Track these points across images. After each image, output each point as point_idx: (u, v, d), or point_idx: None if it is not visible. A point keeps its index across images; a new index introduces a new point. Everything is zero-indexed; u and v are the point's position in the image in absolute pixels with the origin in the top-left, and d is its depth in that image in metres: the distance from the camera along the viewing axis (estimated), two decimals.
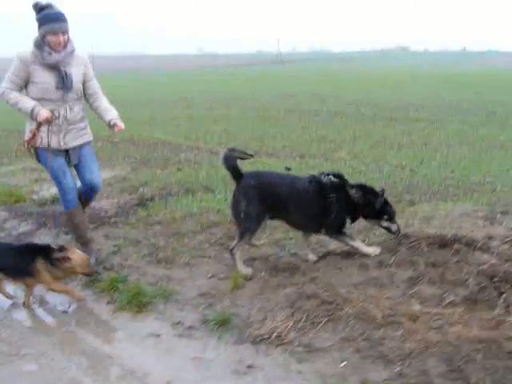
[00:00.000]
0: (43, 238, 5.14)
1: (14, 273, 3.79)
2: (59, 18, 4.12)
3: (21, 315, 3.75)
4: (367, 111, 15.13)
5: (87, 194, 4.58)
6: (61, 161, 4.35)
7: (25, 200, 6.39)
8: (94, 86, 4.51)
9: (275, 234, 4.77)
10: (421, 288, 3.54)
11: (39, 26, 4.11)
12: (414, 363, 2.81)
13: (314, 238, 4.44)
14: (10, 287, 4.04)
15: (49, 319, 3.69)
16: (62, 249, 3.74)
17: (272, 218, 4.19)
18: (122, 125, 4.44)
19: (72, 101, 4.31)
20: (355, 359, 2.93)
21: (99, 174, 4.60)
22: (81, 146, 4.44)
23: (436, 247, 3.95)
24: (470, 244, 3.96)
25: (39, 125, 4.15)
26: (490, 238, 4.07)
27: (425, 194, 5.93)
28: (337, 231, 4.09)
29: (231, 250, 4.04)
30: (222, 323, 3.37)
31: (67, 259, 3.66)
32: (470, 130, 11.06)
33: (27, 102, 4.13)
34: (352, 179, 4.42)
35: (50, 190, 6.72)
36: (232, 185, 6.00)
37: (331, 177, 4.09)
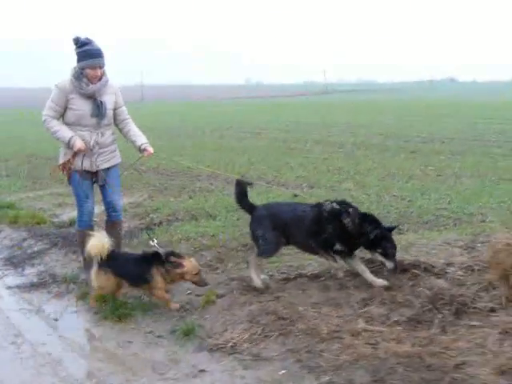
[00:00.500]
0: (54, 256, 5.66)
1: (133, 279, 4.31)
2: (98, 54, 4.67)
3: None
4: (393, 143, 15.34)
5: (110, 215, 5.11)
6: (87, 184, 4.88)
7: (45, 222, 7.00)
8: (124, 112, 5.04)
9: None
10: (371, 308, 3.83)
11: (79, 60, 4.65)
12: (344, 373, 3.09)
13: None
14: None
15: (41, 324, 4.13)
16: (177, 255, 4.25)
17: (287, 243, 4.55)
18: (151, 149, 4.96)
19: (104, 126, 4.83)
20: (294, 368, 3.24)
21: (120, 196, 5.15)
22: (109, 168, 4.95)
23: (396, 272, 4.22)
24: (429, 270, 4.22)
25: (75, 154, 4.69)
26: (449, 264, 4.31)
27: (415, 223, 6.18)
28: (325, 253, 4.33)
29: (248, 261, 4.51)
30: (187, 333, 3.75)
31: (180, 265, 4.13)
32: (488, 162, 11.13)
33: (65, 132, 4.65)
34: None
35: (69, 214, 7.32)
36: (233, 213, 6.53)
37: (333, 204, 4.31)
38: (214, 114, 37.79)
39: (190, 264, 4.19)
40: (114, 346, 3.72)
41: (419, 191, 8.00)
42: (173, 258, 4.17)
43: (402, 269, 4.27)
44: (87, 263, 4.91)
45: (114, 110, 4.93)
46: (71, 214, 7.32)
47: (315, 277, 4.49)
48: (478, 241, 5.16)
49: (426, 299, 3.79)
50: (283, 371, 3.23)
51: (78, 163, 4.75)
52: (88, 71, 4.62)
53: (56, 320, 4.17)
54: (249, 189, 4.67)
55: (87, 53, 4.62)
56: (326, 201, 4.46)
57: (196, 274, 4.21)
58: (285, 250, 5.09)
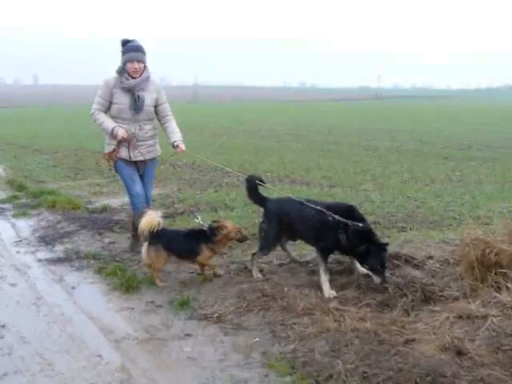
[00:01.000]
0: (81, 236, 6.28)
1: (183, 253, 4.79)
2: (137, 48, 5.06)
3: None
4: (429, 149, 15.42)
5: None
6: (131, 170, 5.27)
7: (80, 207, 7.67)
8: (166, 109, 5.37)
9: None
10: (347, 291, 4.22)
11: (122, 56, 5.09)
12: (308, 343, 3.49)
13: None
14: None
15: (60, 291, 4.71)
16: (216, 221, 4.83)
17: (290, 238, 4.94)
18: (183, 147, 5.24)
19: (143, 121, 5.19)
20: (267, 337, 3.66)
21: (151, 189, 5.57)
22: (147, 161, 5.30)
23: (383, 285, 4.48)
24: (409, 261, 4.55)
25: (119, 142, 5.11)
26: (430, 257, 4.63)
27: (419, 223, 6.46)
28: (319, 255, 4.45)
29: (252, 256, 4.81)
30: (182, 304, 4.23)
31: (224, 227, 4.67)
32: None
33: (109, 123, 5.08)
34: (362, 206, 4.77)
35: (102, 202, 8.00)
36: (249, 206, 6.99)
37: (335, 216, 4.33)
38: (262, 115, 38.37)
39: (230, 224, 4.74)
40: (117, 310, 4.24)
41: (435, 194, 8.23)
42: (215, 224, 4.70)
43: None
44: (134, 242, 5.49)
45: (156, 106, 5.26)
46: (104, 201, 8.04)
47: (307, 263, 4.90)
48: None
49: (398, 286, 4.12)
50: (257, 339, 3.66)
51: (121, 152, 5.16)
52: (128, 65, 4.99)
53: (73, 288, 4.73)
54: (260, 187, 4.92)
55: (128, 48, 5.03)
56: (335, 205, 4.64)
57: (238, 232, 4.75)
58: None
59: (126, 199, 6.40)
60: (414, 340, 3.37)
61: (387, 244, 4.34)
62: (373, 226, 4.79)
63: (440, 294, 4.03)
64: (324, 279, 4.31)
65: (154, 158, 5.42)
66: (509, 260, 3.89)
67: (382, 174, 10.62)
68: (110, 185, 9.49)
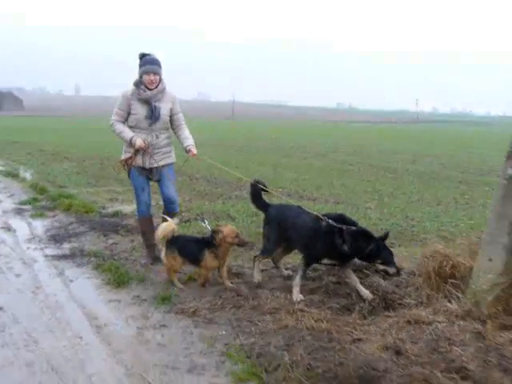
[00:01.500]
0: (88, 237, 6.76)
1: (191, 258, 5.00)
2: (153, 61, 5.37)
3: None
4: (447, 173, 15.49)
5: (167, 206, 5.71)
6: (143, 179, 5.59)
7: (93, 211, 8.17)
8: (180, 118, 5.67)
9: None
10: (315, 296, 4.53)
11: (139, 68, 5.42)
12: (266, 338, 3.82)
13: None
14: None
15: (59, 283, 5.16)
16: (217, 226, 5.07)
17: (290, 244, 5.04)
18: (194, 151, 5.51)
19: (159, 130, 5.50)
20: (232, 332, 4.01)
21: (174, 190, 5.75)
22: (163, 166, 5.59)
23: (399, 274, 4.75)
24: (379, 272, 4.83)
25: (136, 151, 5.45)
26: (400, 269, 4.89)
27: (409, 240, 6.72)
28: (304, 262, 4.67)
29: (254, 258, 5.08)
30: (164, 299, 4.62)
31: (219, 231, 4.82)
32: None
33: (128, 133, 5.41)
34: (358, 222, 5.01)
35: (115, 207, 8.50)
36: (250, 217, 7.36)
37: (329, 221, 4.50)
38: (292, 134, 38.82)
39: (226, 228, 4.94)
40: (105, 302, 4.66)
41: (434, 215, 8.43)
42: (213, 228, 4.96)
43: (355, 269, 4.91)
44: (148, 246, 5.79)
45: (171, 116, 5.59)
46: (117, 207, 8.53)
47: (285, 269, 5.24)
48: None
49: (359, 293, 4.42)
50: (223, 332, 4.01)
51: (136, 160, 5.49)
52: (145, 77, 5.32)
53: (71, 281, 5.18)
54: (264, 194, 5.23)
55: (144, 61, 5.35)
56: (325, 215, 4.67)
57: (236, 237, 4.87)
58: None
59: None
60: (360, 340, 3.67)
61: (387, 233, 4.55)
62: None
63: (399, 301, 4.31)
64: (296, 283, 4.59)
65: (169, 164, 5.69)
66: (462, 272, 4.15)
67: (390, 195, 10.84)
68: (126, 193, 9.99)
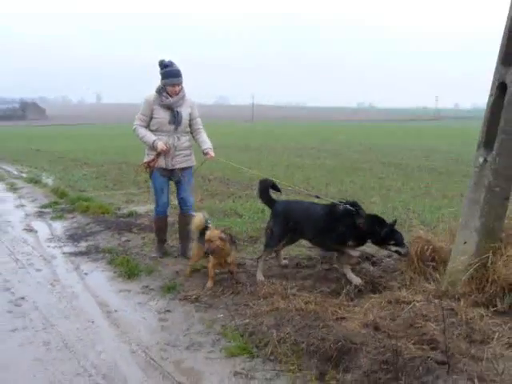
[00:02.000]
0: (103, 235, 7.22)
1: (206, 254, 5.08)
2: (177, 74, 5.73)
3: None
4: (456, 168, 15.62)
5: (182, 207, 6.08)
6: (163, 180, 5.92)
7: (109, 212, 8.65)
8: (198, 123, 5.94)
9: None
10: (307, 281, 4.89)
11: (162, 78, 5.64)
12: (259, 319, 4.18)
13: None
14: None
15: (75, 276, 5.61)
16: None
17: (295, 237, 5.35)
18: (212, 154, 5.79)
19: (180, 133, 5.86)
20: (229, 314, 4.39)
21: (190, 193, 6.10)
22: (183, 168, 5.95)
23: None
24: (369, 258, 5.18)
25: (158, 154, 5.81)
26: (389, 256, 5.23)
27: (407, 231, 6.93)
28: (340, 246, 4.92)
29: (257, 259, 5.30)
30: (170, 288, 5.03)
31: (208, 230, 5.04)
32: None
33: (150, 137, 5.75)
34: None
35: (131, 209, 8.96)
36: (257, 214, 7.74)
37: (347, 205, 4.85)
38: (309, 134, 39.09)
39: (196, 217, 5.31)
40: (116, 291, 5.09)
41: (436, 207, 8.68)
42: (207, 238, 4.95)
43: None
44: (160, 241, 6.21)
45: (190, 120, 5.93)
46: (132, 208, 9.00)
47: (284, 259, 5.61)
48: None
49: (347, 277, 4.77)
50: (221, 315, 4.40)
51: (159, 162, 5.81)
52: (169, 88, 5.70)
53: (86, 274, 5.63)
54: (273, 191, 5.45)
55: (169, 73, 5.69)
56: (341, 201, 5.03)
57: (201, 224, 5.17)
58: None
59: (152, 207, 7.25)
60: (344, 318, 4.01)
61: (395, 221, 4.89)
62: None
63: (385, 285, 4.64)
64: (346, 270, 4.87)
65: (190, 167, 6.03)
66: (443, 256, 4.47)
67: (398, 190, 11.09)
68: (141, 195, 10.47)
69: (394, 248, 4.80)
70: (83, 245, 6.79)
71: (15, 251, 6.47)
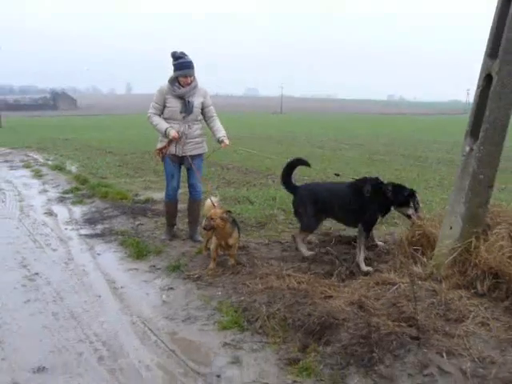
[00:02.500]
0: (119, 219, 7.57)
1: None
2: (189, 66, 5.95)
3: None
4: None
5: (191, 193, 6.34)
6: (174, 166, 6.21)
7: (127, 198, 9.01)
8: (211, 111, 6.13)
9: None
10: (303, 264, 5.13)
11: (175, 70, 5.83)
12: (253, 296, 4.44)
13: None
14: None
15: (88, 255, 5.96)
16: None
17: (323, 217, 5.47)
18: (227, 142, 5.97)
19: (191, 121, 6.10)
20: (227, 291, 4.67)
21: (199, 180, 6.36)
22: (193, 156, 6.16)
23: (336, 243, 5.42)
24: (349, 242, 5.40)
25: (170, 141, 6.04)
26: (385, 242, 5.44)
27: None
28: (364, 228, 5.18)
29: (294, 237, 5.53)
30: (175, 268, 5.33)
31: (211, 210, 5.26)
32: None
33: (163, 125, 6.04)
34: None
35: (148, 195, 9.30)
36: (267, 200, 7.99)
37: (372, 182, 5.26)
38: (335, 127, 39.04)
39: (206, 202, 5.63)
40: (124, 270, 5.42)
41: (446, 198, 8.77)
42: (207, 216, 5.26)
43: (344, 241, 5.48)
44: (169, 225, 6.51)
45: (203, 109, 6.17)
46: (150, 194, 9.34)
47: (283, 243, 5.87)
48: None
49: (338, 259, 5.01)
50: (219, 293, 4.68)
51: (170, 149, 6.10)
52: (181, 79, 5.96)
53: (98, 254, 5.98)
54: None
55: (181, 65, 5.92)
56: (362, 180, 5.38)
57: (220, 217, 5.11)
58: (282, 226, 6.55)
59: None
60: (331, 297, 4.24)
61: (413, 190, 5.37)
62: None
63: (376, 268, 4.85)
64: (361, 258, 5.02)
65: (200, 154, 6.28)
66: (432, 241, 4.65)
67: (412, 181, 11.15)
68: (159, 182, 10.79)
69: (411, 211, 5.18)
70: (99, 228, 7.14)
71: (34, 233, 6.87)
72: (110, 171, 12.64)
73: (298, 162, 5.71)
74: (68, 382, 3.29)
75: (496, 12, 4.09)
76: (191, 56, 5.98)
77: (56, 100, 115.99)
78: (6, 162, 15.89)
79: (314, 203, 5.31)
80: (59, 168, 13.53)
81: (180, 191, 6.65)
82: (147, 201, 8.87)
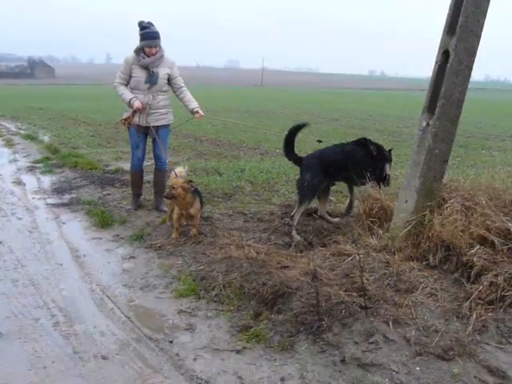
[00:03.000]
0: (87, 189, 7.55)
1: None
2: (155, 36, 5.93)
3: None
4: (473, 140, 15.43)
5: (157, 164, 6.38)
6: (139, 137, 6.23)
7: (97, 168, 8.97)
8: (179, 82, 6.10)
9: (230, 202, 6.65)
10: (264, 234, 5.23)
11: (140, 40, 5.85)
12: (212, 265, 4.52)
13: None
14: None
15: (53, 224, 5.97)
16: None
17: (331, 182, 5.72)
18: (202, 113, 6.00)
19: (156, 92, 6.02)
20: (187, 261, 4.74)
21: (164, 150, 6.32)
22: (158, 127, 6.15)
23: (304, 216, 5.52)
24: (331, 215, 5.48)
25: (134, 112, 6.03)
26: (347, 214, 5.53)
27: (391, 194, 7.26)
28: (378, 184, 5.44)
29: (291, 217, 5.50)
30: (138, 237, 5.38)
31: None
32: None
33: (128, 95, 6.02)
34: None
35: (118, 165, 9.27)
36: (236, 172, 8.03)
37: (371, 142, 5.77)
38: (313, 101, 38.98)
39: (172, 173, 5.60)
40: (88, 239, 5.46)
41: None
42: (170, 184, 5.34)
43: (308, 213, 5.58)
44: (135, 195, 6.55)
45: (170, 80, 6.14)
46: (120, 165, 9.31)
47: (246, 214, 5.94)
48: None
49: (305, 234, 5.10)
50: (179, 262, 4.75)
51: (135, 119, 6.09)
52: (146, 49, 5.92)
53: (63, 223, 5.99)
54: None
55: (146, 35, 5.90)
56: (358, 141, 5.84)
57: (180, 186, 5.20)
58: (249, 197, 6.62)
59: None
60: (287, 267, 4.33)
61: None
62: None
63: (334, 239, 4.95)
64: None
65: (166, 125, 6.28)
66: (389, 214, 4.76)
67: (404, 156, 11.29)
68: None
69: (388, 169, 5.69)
70: (66, 197, 7.13)
71: (0, 202, 6.83)
72: (83, 141, 12.52)
73: (297, 128, 5.70)
74: (22, 346, 3.35)
75: None
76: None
77: (33, 68, 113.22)
78: None
79: (324, 169, 5.44)
80: (31, 137, 13.34)
81: (148, 162, 6.65)
82: (117, 171, 8.85)
